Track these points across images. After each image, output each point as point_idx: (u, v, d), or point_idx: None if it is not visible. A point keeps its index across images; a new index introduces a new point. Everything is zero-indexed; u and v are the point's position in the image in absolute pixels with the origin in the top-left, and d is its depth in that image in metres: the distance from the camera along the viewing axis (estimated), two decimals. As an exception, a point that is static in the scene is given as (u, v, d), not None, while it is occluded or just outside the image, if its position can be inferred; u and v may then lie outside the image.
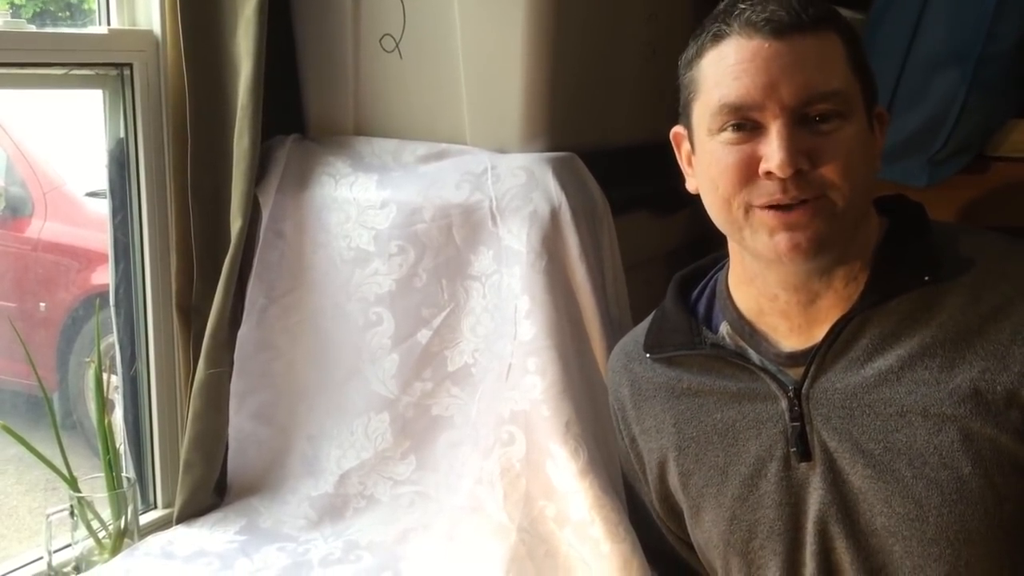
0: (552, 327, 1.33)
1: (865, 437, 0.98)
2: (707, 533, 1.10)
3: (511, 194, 1.38)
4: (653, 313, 1.17)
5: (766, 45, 0.94)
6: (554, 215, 1.36)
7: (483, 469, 1.34)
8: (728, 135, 0.98)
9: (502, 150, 1.43)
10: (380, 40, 1.49)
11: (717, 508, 1.07)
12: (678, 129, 1.07)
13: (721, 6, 1.00)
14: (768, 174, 0.95)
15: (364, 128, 1.54)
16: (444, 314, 1.42)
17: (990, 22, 1.47)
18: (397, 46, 1.48)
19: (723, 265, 1.12)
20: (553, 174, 1.38)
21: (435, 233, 1.41)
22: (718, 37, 0.98)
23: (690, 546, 1.16)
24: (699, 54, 1.01)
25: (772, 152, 0.94)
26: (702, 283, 1.14)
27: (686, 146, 1.06)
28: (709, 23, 1.00)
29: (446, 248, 1.41)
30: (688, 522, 1.13)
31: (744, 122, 0.96)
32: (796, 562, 1.04)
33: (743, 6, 0.97)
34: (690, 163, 1.07)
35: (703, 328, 1.09)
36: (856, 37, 1.00)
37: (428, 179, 1.43)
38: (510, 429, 1.33)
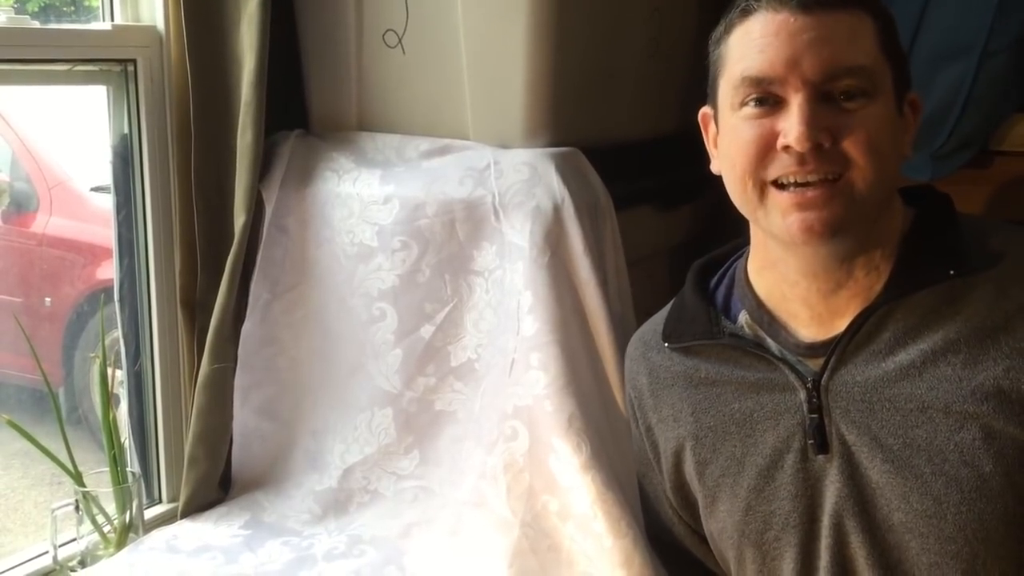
0: (555, 322, 1.33)
1: (884, 432, 0.98)
2: (721, 523, 1.09)
3: (514, 189, 1.38)
4: (672, 301, 1.16)
5: (792, 19, 0.94)
6: (557, 210, 1.36)
7: (486, 464, 1.34)
8: (749, 110, 0.97)
9: (505, 145, 1.43)
10: (383, 35, 1.49)
11: (733, 498, 1.07)
12: (705, 109, 1.07)
13: None
14: (787, 148, 0.94)
15: (367, 124, 1.54)
16: (447, 309, 1.43)
17: (995, 16, 1.47)
18: (400, 42, 1.48)
19: (742, 253, 1.11)
20: (556, 169, 1.38)
21: (438, 228, 1.41)
22: (746, 12, 0.98)
23: (701, 538, 1.16)
24: (727, 31, 1.00)
25: (791, 126, 0.93)
26: (720, 271, 1.14)
27: (712, 127, 1.06)
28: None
29: (449, 243, 1.42)
30: (702, 512, 1.12)
31: (766, 96, 0.96)
32: (811, 554, 1.03)
33: None
34: (715, 144, 1.06)
35: (722, 317, 1.08)
36: (890, 19, 0.99)
37: (431, 175, 1.43)
38: (513, 424, 1.33)
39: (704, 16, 1.77)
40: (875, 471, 0.98)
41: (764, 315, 1.06)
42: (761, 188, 0.98)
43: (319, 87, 1.56)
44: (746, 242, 1.09)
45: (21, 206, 2.91)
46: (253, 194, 1.44)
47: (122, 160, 1.50)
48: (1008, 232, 1.02)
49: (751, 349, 1.05)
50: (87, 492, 1.37)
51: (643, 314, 1.28)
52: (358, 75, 1.52)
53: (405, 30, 1.47)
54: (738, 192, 1.01)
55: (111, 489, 1.38)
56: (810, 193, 0.95)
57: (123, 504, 1.39)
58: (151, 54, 1.47)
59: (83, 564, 1.37)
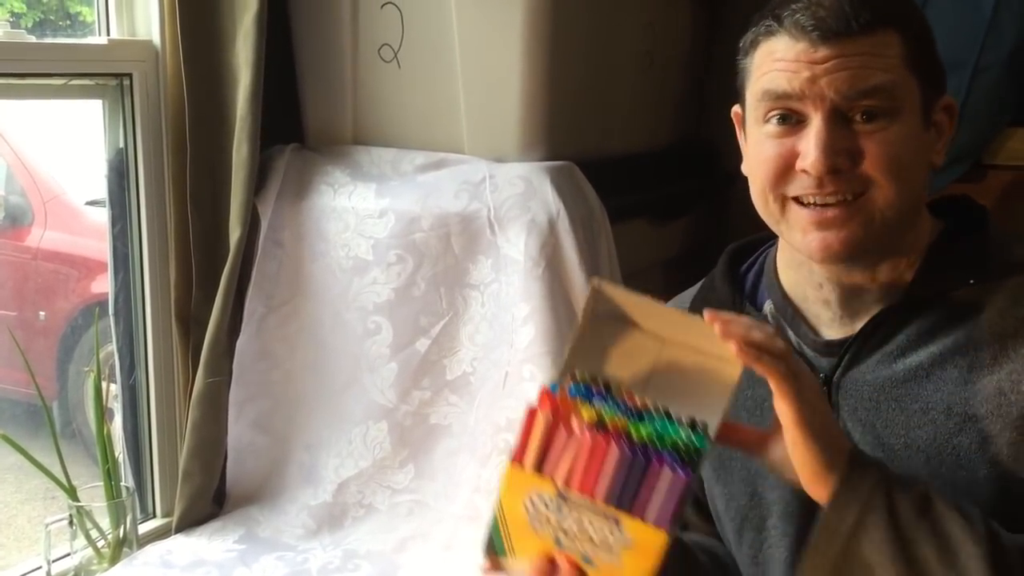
0: (549, 334, 1.33)
1: (887, 432, 0.98)
2: (725, 504, 1.10)
3: (509, 203, 1.38)
4: (701, 282, 1.16)
5: (812, 50, 0.94)
6: (552, 224, 1.36)
7: (481, 477, 1.34)
8: (772, 127, 0.97)
9: (500, 159, 1.43)
10: (379, 50, 1.50)
11: (740, 483, 1.08)
12: (736, 109, 1.07)
13: None
14: (804, 170, 0.95)
15: (363, 138, 1.55)
16: (443, 323, 1.43)
17: (986, 31, 1.48)
18: (396, 56, 1.49)
19: (775, 242, 1.11)
20: (551, 183, 1.38)
21: (433, 242, 1.41)
22: (769, 32, 0.98)
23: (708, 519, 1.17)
24: (753, 44, 1.00)
25: (808, 150, 0.94)
26: (753, 256, 1.14)
27: (741, 132, 1.06)
28: (767, 11, 0.98)
29: (444, 257, 1.42)
30: (708, 492, 1.13)
31: (789, 114, 0.96)
32: (806, 546, 1.04)
33: (795, 6, 0.95)
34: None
35: (747, 304, 1.09)
36: (920, 33, 0.98)
37: (426, 188, 1.43)
38: (507, 437, 1.33)
39: (697, 30, 1.78)
40: None
41: (788, 308, 1.07)
42: (783, 203, 0.99)
43: (315, 101, 1.57)
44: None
45: (16, 220, 2.91)
46: (248, 208, 1.44)
47: (117, 174, 1.50)
48: None
49: None
50: (81, 507, 1.36)
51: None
52: (354, 89, 1.53)
53: (401, 45, 1.48)
54: (760, 204, 1.02)
55: (105, 504, 1.38)
56: (830, 213, 0.95)
57: (117, 519, 1.38)
58: (147, 68, 1.47)
59: (76, 579, 1.36)
